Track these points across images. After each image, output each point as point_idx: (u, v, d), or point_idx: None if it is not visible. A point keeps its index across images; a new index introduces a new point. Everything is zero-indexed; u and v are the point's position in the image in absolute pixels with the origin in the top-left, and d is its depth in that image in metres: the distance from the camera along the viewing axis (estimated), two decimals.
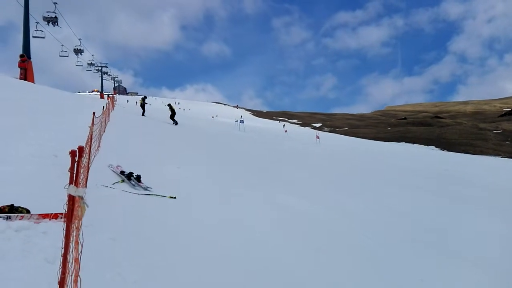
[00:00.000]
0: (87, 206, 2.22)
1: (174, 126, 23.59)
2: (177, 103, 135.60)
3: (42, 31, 38.51)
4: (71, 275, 2.24)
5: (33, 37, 37.57)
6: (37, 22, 37.93)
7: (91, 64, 63.26)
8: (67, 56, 49.34)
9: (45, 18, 38.55)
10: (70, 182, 2.30)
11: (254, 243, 5.82)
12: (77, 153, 2.48)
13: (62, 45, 47.32)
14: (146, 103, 25.88)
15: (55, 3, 38.51)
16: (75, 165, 2.40)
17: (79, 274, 2.14)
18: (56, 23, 39.14)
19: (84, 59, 58.54)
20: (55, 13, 38.18)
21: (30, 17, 31.60)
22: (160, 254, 4.55)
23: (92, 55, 63.89)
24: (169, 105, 25.05)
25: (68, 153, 2.43)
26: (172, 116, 24.43)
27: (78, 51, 51.12)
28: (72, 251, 2.30)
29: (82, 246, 2.22)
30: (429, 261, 6.75)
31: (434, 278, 5.96)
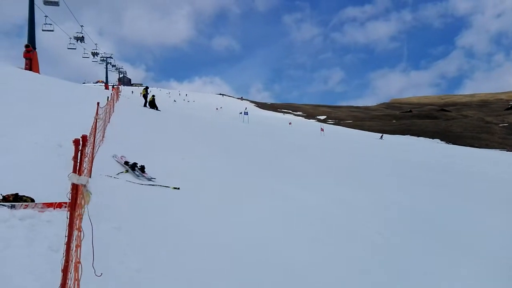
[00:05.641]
0: (91, 194, 2.22)
1: (179, 117, 23.85)
2: (185, 95, 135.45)
3: (50, 24, 41.15)
4: (74, 262, 2.26)
5: (43, 30, 40.87)
6: (46, 16, 40.83)
7: (95, 54, 63.74)
8: (75, 49, 52.80)
9: (75, 38, 47.43)
10: (74, 171, 2.30)
11: (255, 234, 5.84)
12: (81, 142, 2.47)
13: (70, 37, 50.21)
14: (148, 94, 26.01)
15: (81, 26, 47.49)
16: (79, 154, 2.39)
17: (80, 261, 2.16)
18: (83, 41, 48.55)
19: (89, 50, 60.15)
20: (82, 33, 47.68)
21: (37, 10, 32.78)
22: (163, 243, 4.59)
23: (96, 44, 63.80)
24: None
25: (72, 142, 2.43)
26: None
27: (78, 38, 51.95)
28: (76, 239, 2.31)
29: (88, 235, 2.22)
30: (431, 253, 6.74)
31: (436, 270, 5.96)
